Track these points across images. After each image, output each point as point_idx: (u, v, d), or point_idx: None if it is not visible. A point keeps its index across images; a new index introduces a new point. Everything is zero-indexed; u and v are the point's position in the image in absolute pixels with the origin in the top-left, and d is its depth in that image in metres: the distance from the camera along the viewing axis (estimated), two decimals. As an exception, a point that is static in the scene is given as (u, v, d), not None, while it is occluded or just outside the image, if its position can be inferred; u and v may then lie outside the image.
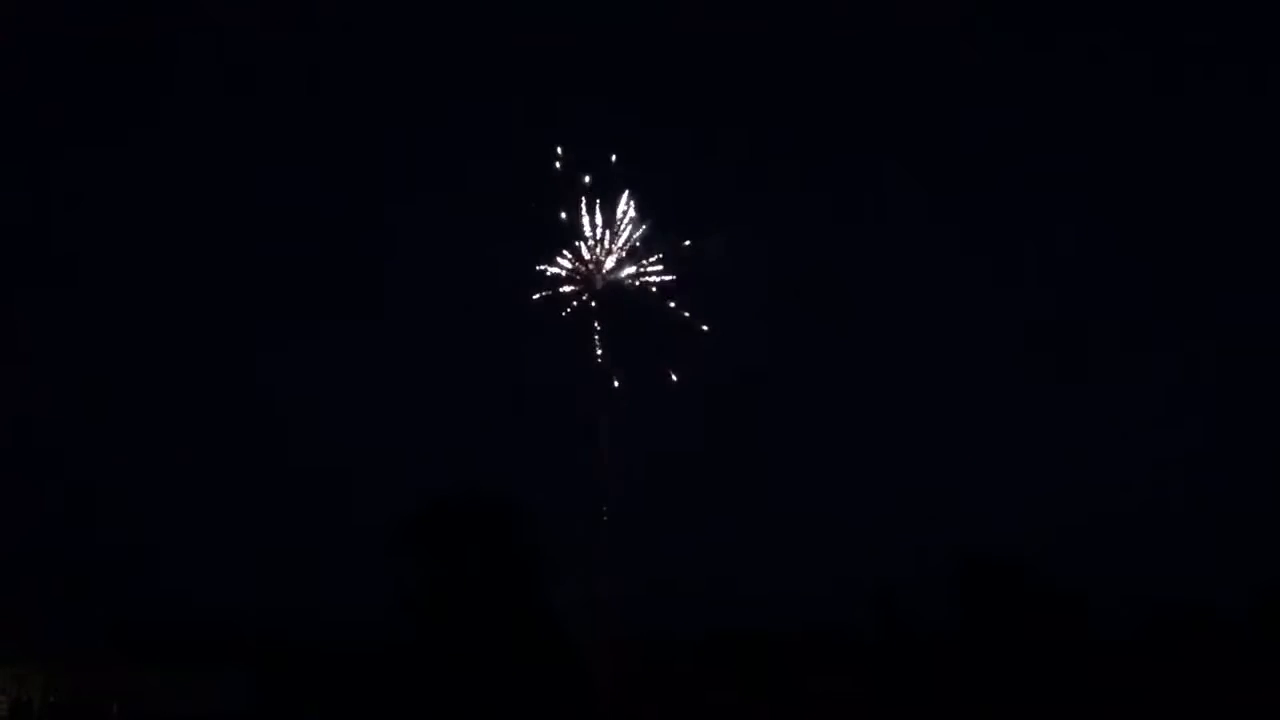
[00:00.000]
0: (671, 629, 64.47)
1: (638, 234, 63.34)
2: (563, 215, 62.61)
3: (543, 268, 62.39)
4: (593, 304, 63.75)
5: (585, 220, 62.70)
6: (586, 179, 62.27)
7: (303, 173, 74.91)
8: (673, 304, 63.95)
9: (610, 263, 63.34)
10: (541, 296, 63.20)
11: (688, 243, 62.66)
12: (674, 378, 62.93)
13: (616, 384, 63.22)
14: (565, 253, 62.60)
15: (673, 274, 63.18)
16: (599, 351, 64.10)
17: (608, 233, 62.97)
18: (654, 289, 63.34)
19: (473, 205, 65.47)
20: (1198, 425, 69.88)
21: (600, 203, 62.83)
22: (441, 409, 70.59)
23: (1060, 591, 61.84)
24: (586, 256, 63.00)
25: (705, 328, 62.32)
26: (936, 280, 75.47)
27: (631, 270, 63.48)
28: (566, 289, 62.92)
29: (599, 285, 63.27)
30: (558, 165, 62.46)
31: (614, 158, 62.49)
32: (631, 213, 63.23)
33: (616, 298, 63.76)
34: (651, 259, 63.22)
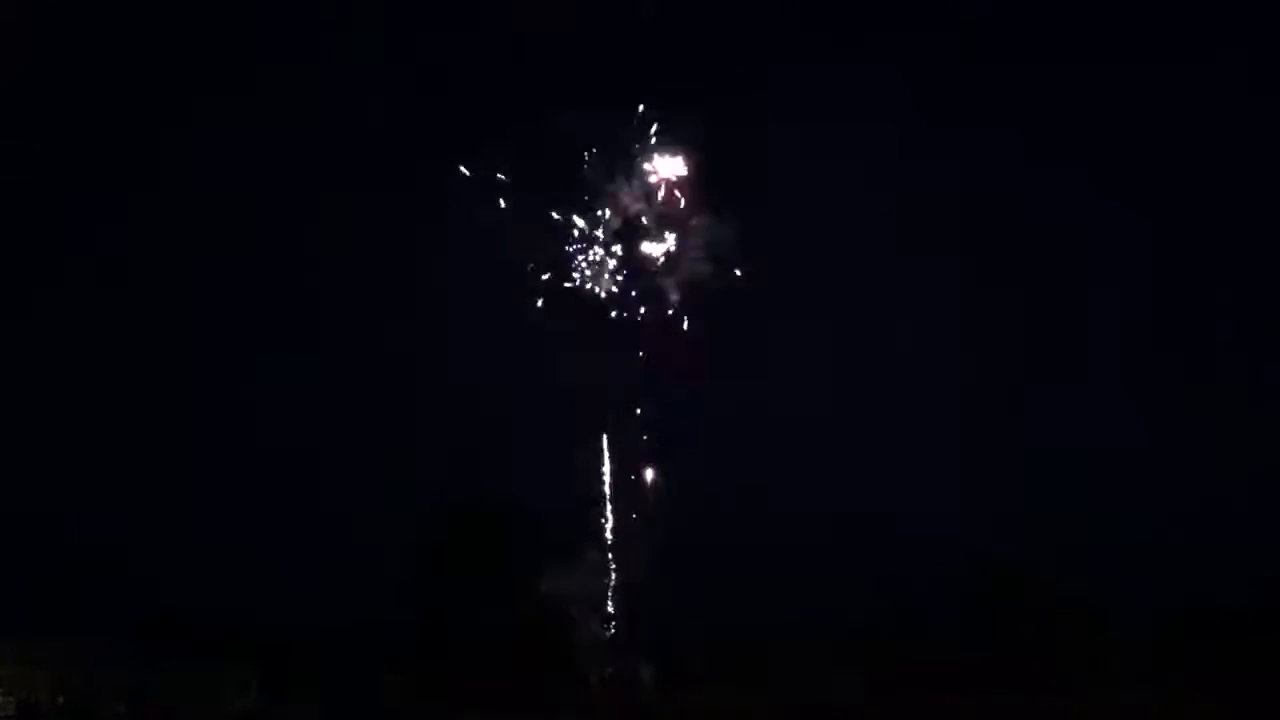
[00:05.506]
0: (680, 624, 65.10)
1: None
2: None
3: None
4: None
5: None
6: None
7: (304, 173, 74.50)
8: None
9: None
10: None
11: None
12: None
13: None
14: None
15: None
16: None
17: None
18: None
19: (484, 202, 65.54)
20: (1204, 426, 70.01)
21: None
22: (448, 412, 70.49)
23: (1065, 589, 62.36)
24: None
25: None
26: (941, 282, 75.27)
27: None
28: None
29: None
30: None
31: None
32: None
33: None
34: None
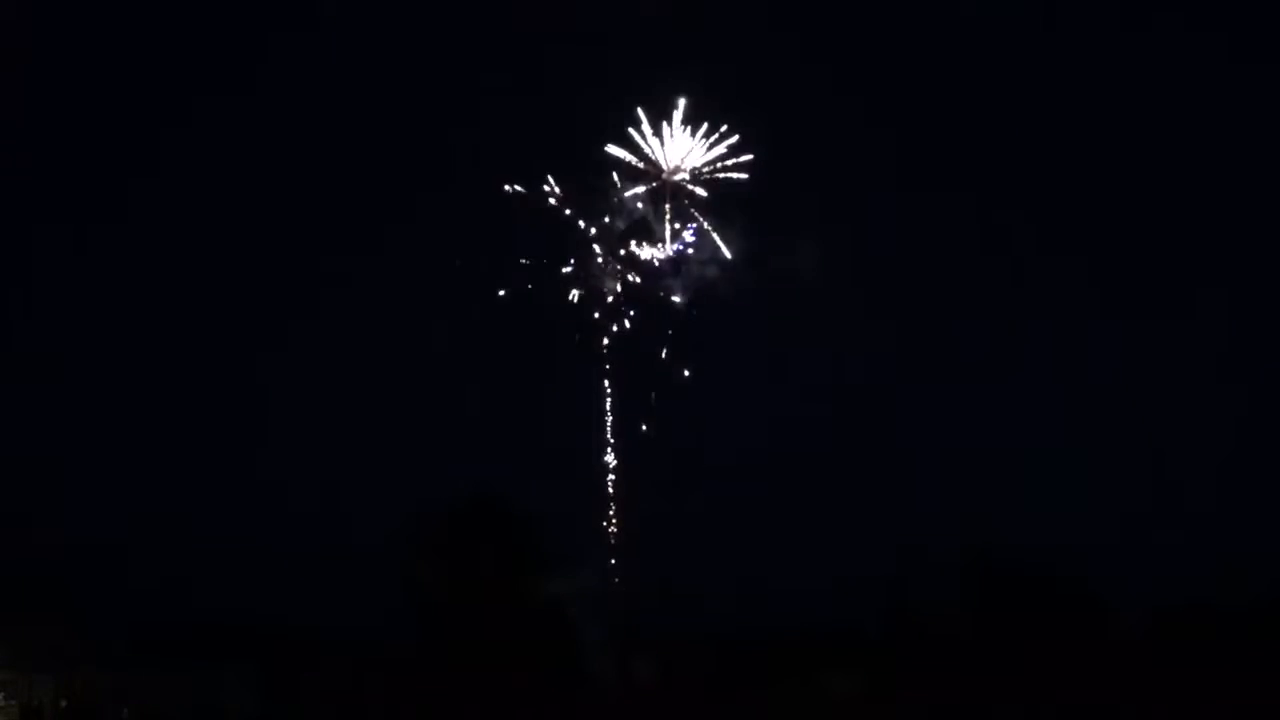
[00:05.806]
0: (676, 627, 65.16)
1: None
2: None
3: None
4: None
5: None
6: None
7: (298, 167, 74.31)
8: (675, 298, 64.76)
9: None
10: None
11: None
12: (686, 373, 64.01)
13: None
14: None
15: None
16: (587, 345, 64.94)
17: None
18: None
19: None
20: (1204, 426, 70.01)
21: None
22: (445, 412, 70.48)
23: (1063, 586, 62.52)
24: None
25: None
26: (937, 274, 75.14)
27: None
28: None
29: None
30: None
31: None
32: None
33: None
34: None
